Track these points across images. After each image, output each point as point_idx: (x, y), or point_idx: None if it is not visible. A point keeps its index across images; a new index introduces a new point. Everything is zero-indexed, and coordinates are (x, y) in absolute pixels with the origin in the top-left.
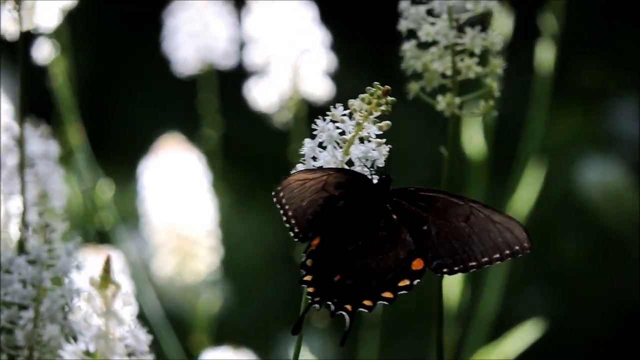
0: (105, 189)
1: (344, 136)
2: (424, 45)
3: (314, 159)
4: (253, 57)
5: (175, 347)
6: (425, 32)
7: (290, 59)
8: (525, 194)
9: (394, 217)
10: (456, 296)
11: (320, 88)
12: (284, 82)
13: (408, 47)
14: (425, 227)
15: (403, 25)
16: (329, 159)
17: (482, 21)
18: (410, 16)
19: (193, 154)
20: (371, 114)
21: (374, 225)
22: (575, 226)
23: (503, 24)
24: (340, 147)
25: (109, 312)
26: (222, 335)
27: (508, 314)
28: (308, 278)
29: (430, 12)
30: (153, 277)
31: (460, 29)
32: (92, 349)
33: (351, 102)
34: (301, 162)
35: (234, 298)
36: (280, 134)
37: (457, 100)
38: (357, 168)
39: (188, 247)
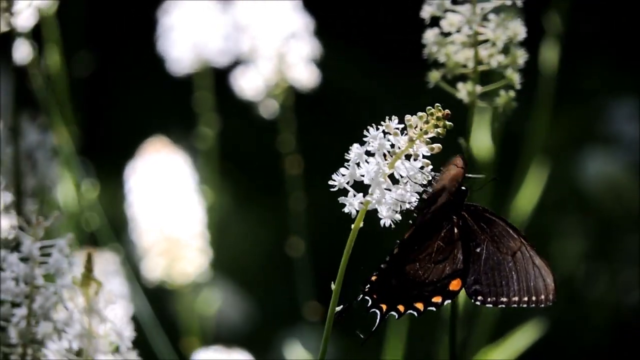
0: (90, 189)
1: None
2: (444, 35)
3: (358, 165)
4: (238, 46)
5: (167, 349)
6: (449, 22)
7: (275, 47)
8: (529, 193)
9: (455, 231)
10: (460, 297)
11: (306, 75)
12: (270, 70)
13: (431, 34)
14: (478, 250)
15: (427, 12)
16: (375, 168)
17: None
18: (434, 3)
19: (180, 155)
20: (426, 133)
21: (436, 234)
22: (575, 224)
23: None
24: (387, 160)
25: (91, 310)
26: (218, 335)
27: (510, 314)
28: (384, 267)
29: (454, 1)
30: (143, 279)
31: (484, 18)
32: (75, 347)
33: (408, 117)
34: (345, 167)
35: (230, 298)
36: (274, 131)
37: (478, 88)
38: (401, 182)
39: (177, 249)
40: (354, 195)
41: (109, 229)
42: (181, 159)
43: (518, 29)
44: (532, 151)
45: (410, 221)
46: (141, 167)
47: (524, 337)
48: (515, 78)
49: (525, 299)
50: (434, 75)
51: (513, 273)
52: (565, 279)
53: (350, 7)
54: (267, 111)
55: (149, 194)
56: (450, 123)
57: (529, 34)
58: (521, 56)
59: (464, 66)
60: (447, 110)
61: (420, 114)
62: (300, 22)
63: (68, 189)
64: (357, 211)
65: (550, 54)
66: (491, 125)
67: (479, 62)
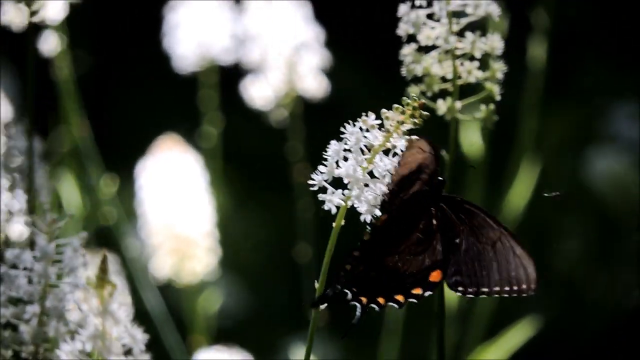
0: (109, 183)
1: (371, 143)
2: (423, 49)
3: (337, 163)
4: (249, 55)
5: (178, 346)
6: (426, 36)
7: (285, 56)
8: (520, 190)
9: (434, 222)
10: (455, 295)
11: (315, 85)
12: (280, 79)
13: (408, 51)
14: (457, 240)
15: (402, 30)
16: (353, 164)
17: (483, 25)
18: (410, 20)
19: (190, 154)
20: (402, 123)
21: (415, 225)
22: (576, 224)
23: (499, 23)
24: (365, 155)
25: (105, 312)
26: (221, 335)
27: (510, 315)
28: (356, 254)
29: (430, 16)
30: (151, 277)
31: (461, 33)
32: (88, 348)
33: (384, 111)
34: (323, 164)
35: (233, 298)
36: (278, 131)
37: (458, 104)
38: (379, 177)
39: (186, 247)
40: (333, 192)
41: (125, 222)
42: (192, 158)
43: (495, 43)
44: (523, 148)
45: (380, 208)
46: (152, 165)
47: (518, 334)
48: (495, 90)
49: (507, 288)
50: (413, 91)
51: (494, 263)
52: (565, 279)
53: (361, 18)
54: (276, 120)
55: (158, 192)
56: (426, 113)
57: (519, 30)
58: (500, 69)
59: (443, 79)
60: (422, 100)
61: (395, 105)
62: (311, 33)
63: (71, 189)
64: (338, 208)
65: (538, 50)
66: (481, 123)
67: (457, 76)
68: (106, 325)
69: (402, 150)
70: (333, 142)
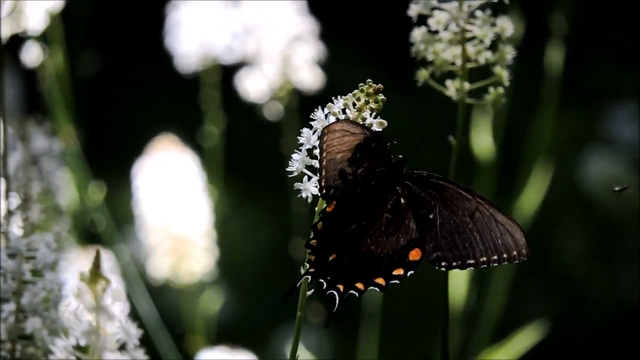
0: (97, 191)
1: None
2: (432, 33)
3: (309, 150)
4: (244, 48)
5: (170, 348)
6: (436, 20)
7: (280, 49)
8: (533, 194)
9: (402, 200)
10: (462, 297)
11: (310, 77)
12: (275, 72)
13: (419, 33)
14: (431, 216)
15: (414, 10)
16: None
17: (493, 9)
18: (421, 2)
19: (188, 154)
20: (360, 110)
21: (381, 206)
22: (576, 224)
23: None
24: None
25: (99, 308)
26: (220, 335)
27: (511, 314)
28: (314, 243)
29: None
30: (149, 278)
31: (471, 15)
32: (82, 344)
33: (345, 97)
34: (297, 152)
35: (232, 297)
36: (273, 126)
37: (467, 85)
38: None
39: (183, 248)
40: (309, 180)
41: (115, 229)
42: (189, 158)
43: (506, 25)
44: (536, 152)
45: (321, 197)
46: (149, 166)
47: (525, 338)
48: (504, 74)
49: (495, 257)
50: (423, 74)
51: (475, 234)
52: (566, 278)
53: (355, 10)
54: (271, 113)
55: (156, 193)
56: (383, 97)
57: (533, 35)
58: (509, 53)
59: (452, 64)
60: (379, 84)
61: (355, 91)
62: (305, 25)
63: (71, 190)
64: (313, 195)
65: (555, 55)
66: (492, 125)
67: (467, 59)
68: (100, 320)
69: (319, 139)
70: (305, 129)
